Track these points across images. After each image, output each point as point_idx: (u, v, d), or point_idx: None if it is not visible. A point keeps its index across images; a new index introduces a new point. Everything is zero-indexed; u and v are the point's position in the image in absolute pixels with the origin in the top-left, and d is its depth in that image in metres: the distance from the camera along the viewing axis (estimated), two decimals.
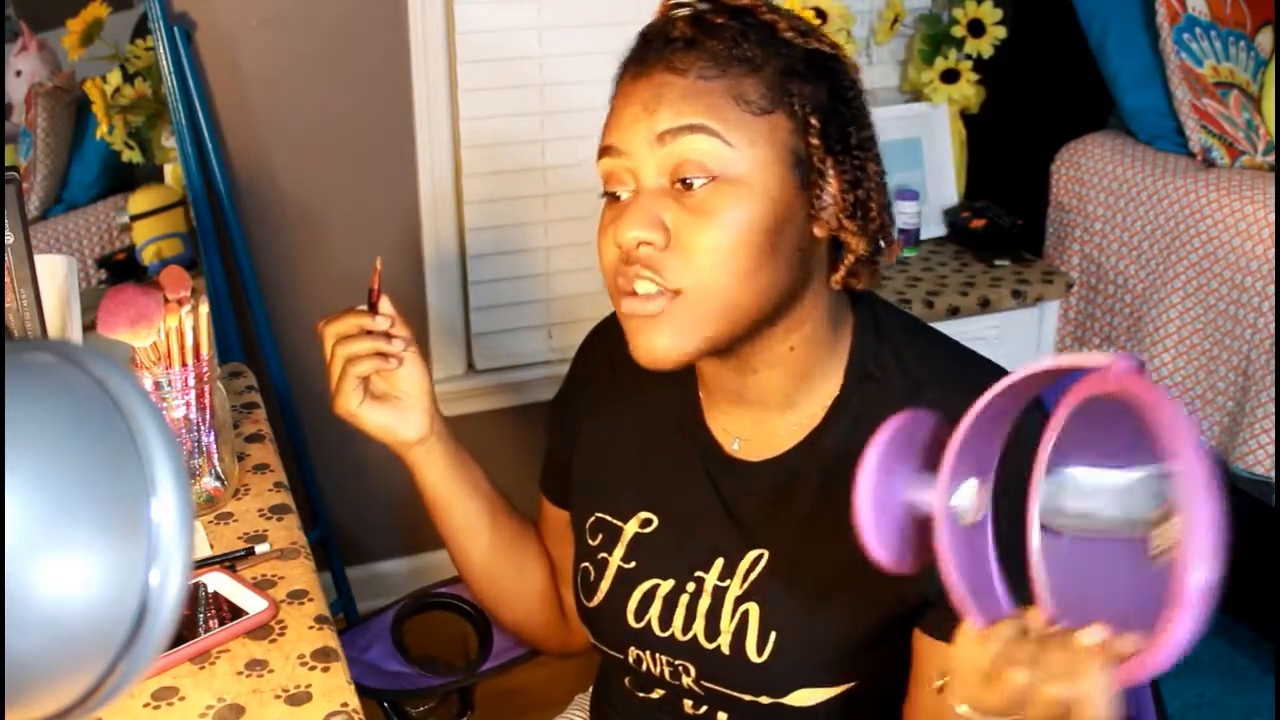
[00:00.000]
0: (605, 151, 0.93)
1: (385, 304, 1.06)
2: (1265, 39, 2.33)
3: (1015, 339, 2.24)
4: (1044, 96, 2.54)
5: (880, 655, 0.96)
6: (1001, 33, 2.33)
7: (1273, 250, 2.02)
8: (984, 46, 2.33)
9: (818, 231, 0.92)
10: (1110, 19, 2.36)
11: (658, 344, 0.90)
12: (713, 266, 0.88)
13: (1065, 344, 2.44)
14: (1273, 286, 2.02)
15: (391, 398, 1.08)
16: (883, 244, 0.95)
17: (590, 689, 1.30)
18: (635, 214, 0.89)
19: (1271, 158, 2.25)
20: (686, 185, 0.88)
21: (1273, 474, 2.02)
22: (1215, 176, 2.19)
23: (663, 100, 0.89)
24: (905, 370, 0.97)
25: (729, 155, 0.88)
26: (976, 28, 2.33)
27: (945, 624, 0.90)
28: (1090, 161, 2.39)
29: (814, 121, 0.90)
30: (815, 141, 0.90)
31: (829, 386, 0.98)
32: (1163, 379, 2.22)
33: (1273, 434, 2.02)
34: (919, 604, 0.94)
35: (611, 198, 0.93)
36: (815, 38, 0.92)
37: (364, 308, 1.06)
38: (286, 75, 2.07)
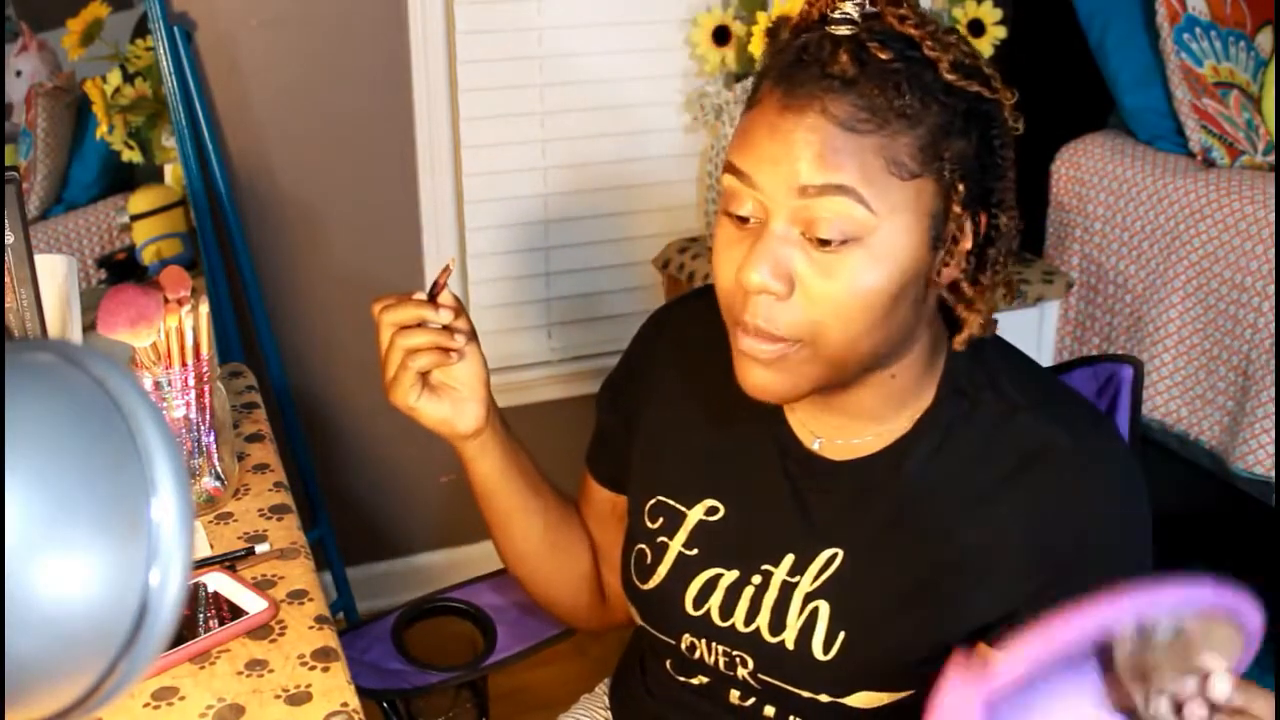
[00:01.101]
0: (738, 174, 0.88)
1: (447, 296, 1.03)
2: (1265, 39, 2.33)
3: (1015, 339, 2.22)
4: (1044, 96, 2.54)
5: (942, 671, 0.96)
6: (1001, 33, 2.33)
7: (1273, 250, 2.02)
8: (984, 46, 2.32)
9: (939, 284, 0.92)
10: (1110, 19, 2.36)
11: (768, 384, 0.91)
12: (833, 325, 0.87)
13: (1065, 344, 2.44)
14: (1273, 286, 2.02)
15: (447, 389, 1.05)
16: (1004, 297, 0.95)
17: (596, 689, 1.30)
18: (763, 258, 0.86)
19: (1271, 158, 2.25)
20: (823, 243, 0.86)
21: (1273, 474, 2.02)
22: (1215, 176, 2.18)
23: (811, 149, 0.84)
24: (1000, 393, 0.96)
25: (869, 221, 0.85)
26: (976, 28, 2.33)
27: None
28: (1090, 161, 2.39)
29: (960, 186, 0.87)
30: (957, 209, 0.88)
31: (920, 402, 0.98)
32: (1163, 379, 2.22)
33: (1273, 434, 2.02)
34: (987, 636, 0.95)
35: (733, 218, 0.90)
36: (979, 80, 0.88)
37: (423, 296, 1.02)
38: (286, 75, 2.07)
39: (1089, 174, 2.38)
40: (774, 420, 1.03)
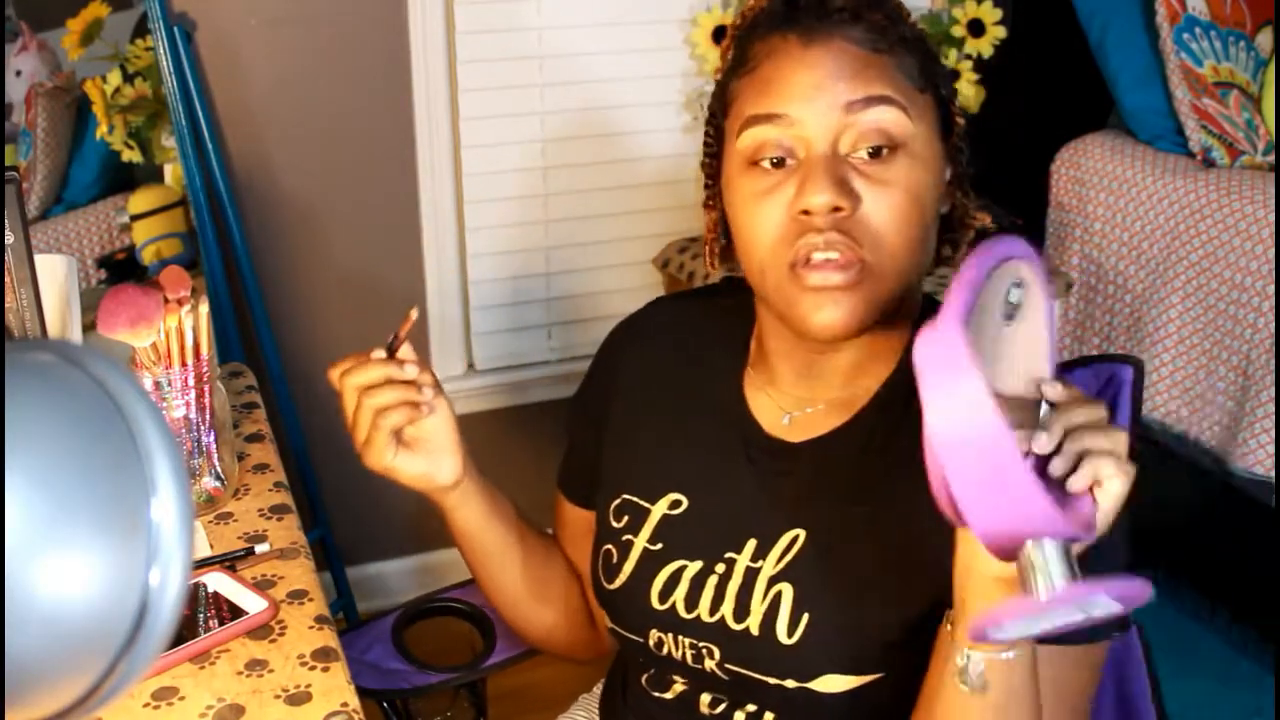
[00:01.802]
0: (768, 120, 0.91)
1: (407, 350, 1.02)
2: (1265, 39, 2.33)
3: None
4: (1044, 96, 2.54)
5: (910, 651, 0.96)
6: (1001, 33, 2.33)
7: (1273, 250, 2.02)
8: (984, 46, 2.33)
9: (943, 207, 0.98)
10: (1110, 19, 2.36)
11: (841, 316, 0.91)
12: (895, 236, 0.91)
13: (1065, 344, 2.44)
14: (1273, 286, 2.02)
15: (421, 442, 1.05)
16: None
17: (594, 689, 1.30)
18: (826, 178, 0.89)
19: (1271, 158, 2.25)
20: (873, 154, 0.90)
21: (1273, 474, 2.02)
22: (1215, 176, 2.18)
23: (849, 68, 0.90)
24: None
25: (909, 128, 0.91)
26: (976, 28, 2.33)
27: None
28: (1090, 161, 2.39)
29: (953, 104, 0.96)
30: (959, 120, 0.96)
31: (884, 367, 1.00)
32: (1163, 379, 2.22)
33: (1273, 434, 2.02)
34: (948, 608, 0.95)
35: (765, 166, 0.92)
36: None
37: (381, 353, 1.01)
38: (286, 75, 2.07)
39: (1089, 174, 2.38)
40: (736, 409, 1.05)
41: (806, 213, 0.90)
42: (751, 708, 1.02)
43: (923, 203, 0.92)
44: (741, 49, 0.96)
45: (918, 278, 0.96)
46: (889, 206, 0.90)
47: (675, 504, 1.05)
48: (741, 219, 0.94)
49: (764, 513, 1.01)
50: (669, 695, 1.07)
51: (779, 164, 0.91)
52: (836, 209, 0.89)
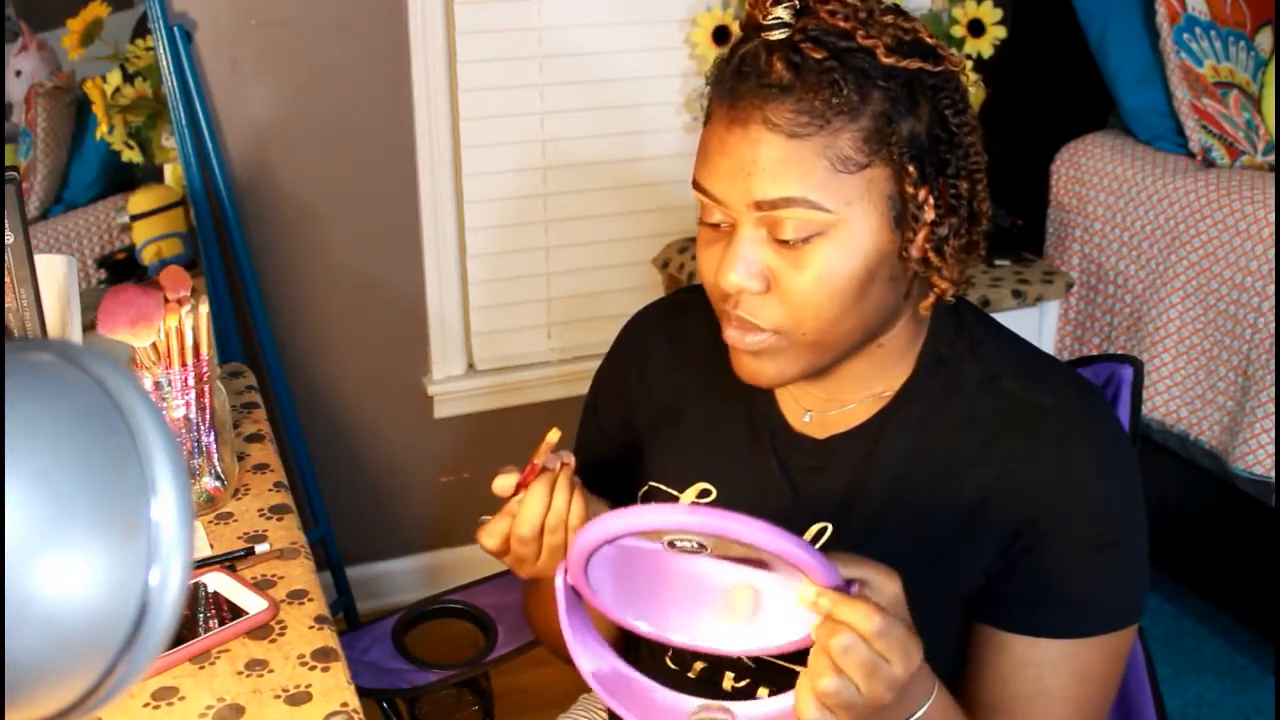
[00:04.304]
0: (701, 190, 0.93)
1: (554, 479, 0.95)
2: (1265, 39, 2.33)
3: None
4: (1044, 96, 2.54)
5: (932, 642, 0.96)
6: (1001, 33, 2.33)
7: (1273, 250, 2.02)
8: (984, 46, 2.33)
9: (910, 259, 0.94)
10: (1110, 19, 2.36)
11: (760, 371, 0.95)
12: (811, 313, 0.91)
13: (1065, 344, 2.44)
14: (1273, 286, 2.02)
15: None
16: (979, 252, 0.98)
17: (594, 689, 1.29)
18: (737, 260, 0.91)
19: (1271, 158, 2.25)
20: (784, 242, 0.90)
21: (1273, 474, 2.02)
22: (1215, 176, 2.18)
23: (758, 164, 0.88)
24: (981, 360, 0.99)
25: (825, 219, 0.88)
26: (976, 28, 2.33)
27: (1033, 619, 0.94)
28: (1090, 161, 2.39)
29: (910, 168, 0.89)
30: (909, 189, 0.90)
31: (904, 368, 1.00)
32: (1163, 379, 2.22)
33: (1273, 434, 2.02)
34: (978, 602, 0.96)
35: (707, 225, 0.95)
36: (919, 55, 0.89)
37: (510, 482, 0.93)
38: (286, 75, 2.07)
39: (1089, 174, 2.38)
40: (762, 401, 1.05)
41: None
42: (771, 691, 1.03)
43: (845, 279, 0.90)
44: (710, 93, 0.94)
45: (869, 328, 0.94)
46: (800, 286, 0.90)
47: (704, 493, 1.06)
48: (697, 260, 0.98)
49: (790, 506, 1.02)
50: (690, 674, 1.08)
51: (717, 226, 0.94)
52: (744, 289, 0.91)
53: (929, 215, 0.92)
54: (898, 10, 0.91)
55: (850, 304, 0.91)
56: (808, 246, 0.89)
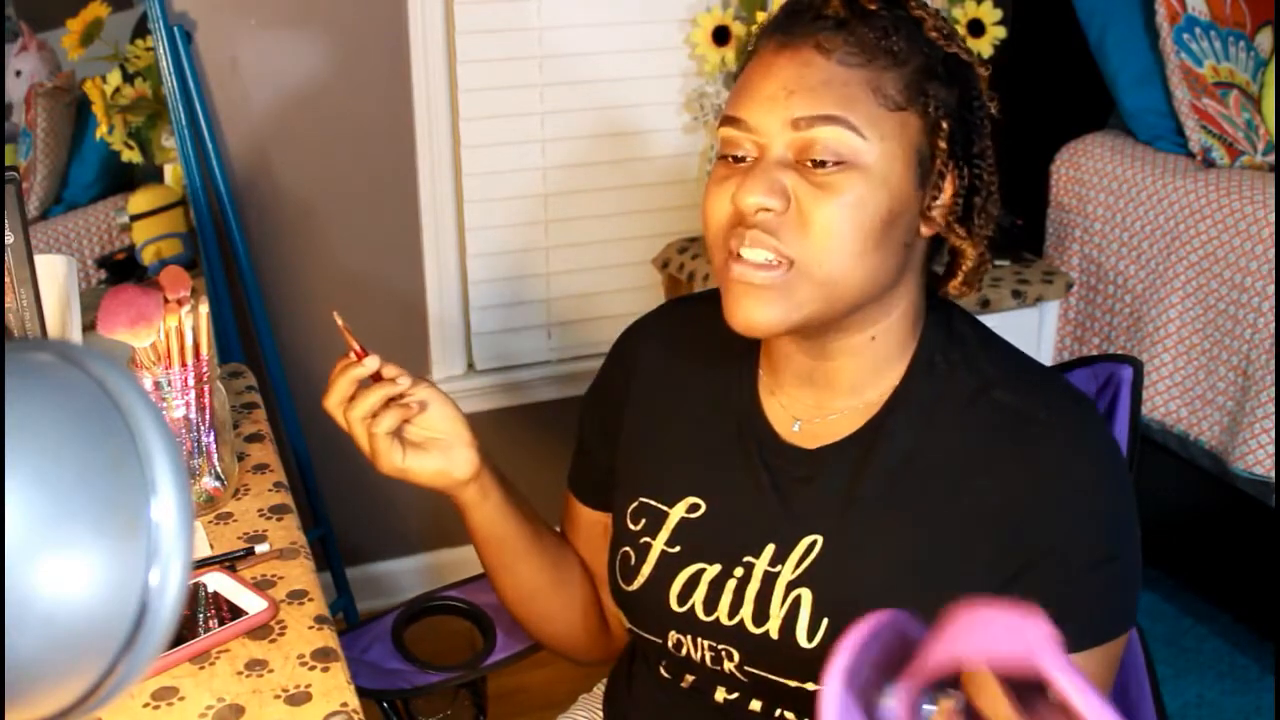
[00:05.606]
0: (733, 122, 0.94)
1: (374, 360, 1.05)
2: (1265, 39, 2.33)
3: (1015, 339, 2.23)
4: (1044, 96, 2.54)
5: None
6: (1001, 33, 2.33)
7: (1273, 250, 2.02)
8: (984, 46, 2.33)
9: (924, 230, 0.96)
10: (1110, 19, 2.36)
11: (758, 313, 0.92)
12: (827, 241, 0.91)
13: (1065, 344, 2.44)
14: (1273, 286, 2.02)
15: (431, 441, 1.06)
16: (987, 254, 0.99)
17: (594, 689, 1.30)
18: (760, 178, 0.91)
19: (1271, 158, 2.25)
20: (815, 164, 0.91)
21: (1273, 474, 2.02)
22: (1215, 176, 2.19)
23: (804, 82, 0.91)
24: (975, 369, 0.99)
25: (859, 146, 0.90)
26: (976, 28, 2.33)
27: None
28: (1090, 161, 2.39)
29: (944, 125, 0.93)
30: (942, 144, 0.93)
31: (895, 373, 0.99)
32: (1163, 379, 2.22)
33: (1273, 434, 2.02)
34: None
35: (729, 160, 0.95)
36: (956, 43, 0.95)
37: (356, 362, 1.04)
38: (286, 75, 2.07)
39: (1089, 174, 2.38)
40: (751, 413, 1.05)
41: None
42: (764, 703, 1.03)
43: (868, 215, 0.90)
44: (756, 37, 0.98)
45: (873, 289, 0.94)
46: (824, 210, 0.90)
47: (693, 507, 1.05)
48: (703, 205, 0.97)
49: (782, 518, 1.01)
50: (683, 685, 1.08)
51: (740, 160, 0.94)
52: (765, 209, 0.91)
53: (950, 187, 0.95)
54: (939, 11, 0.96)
55: (867, 246, 0.91)
56: (837, 172, 0.90)
